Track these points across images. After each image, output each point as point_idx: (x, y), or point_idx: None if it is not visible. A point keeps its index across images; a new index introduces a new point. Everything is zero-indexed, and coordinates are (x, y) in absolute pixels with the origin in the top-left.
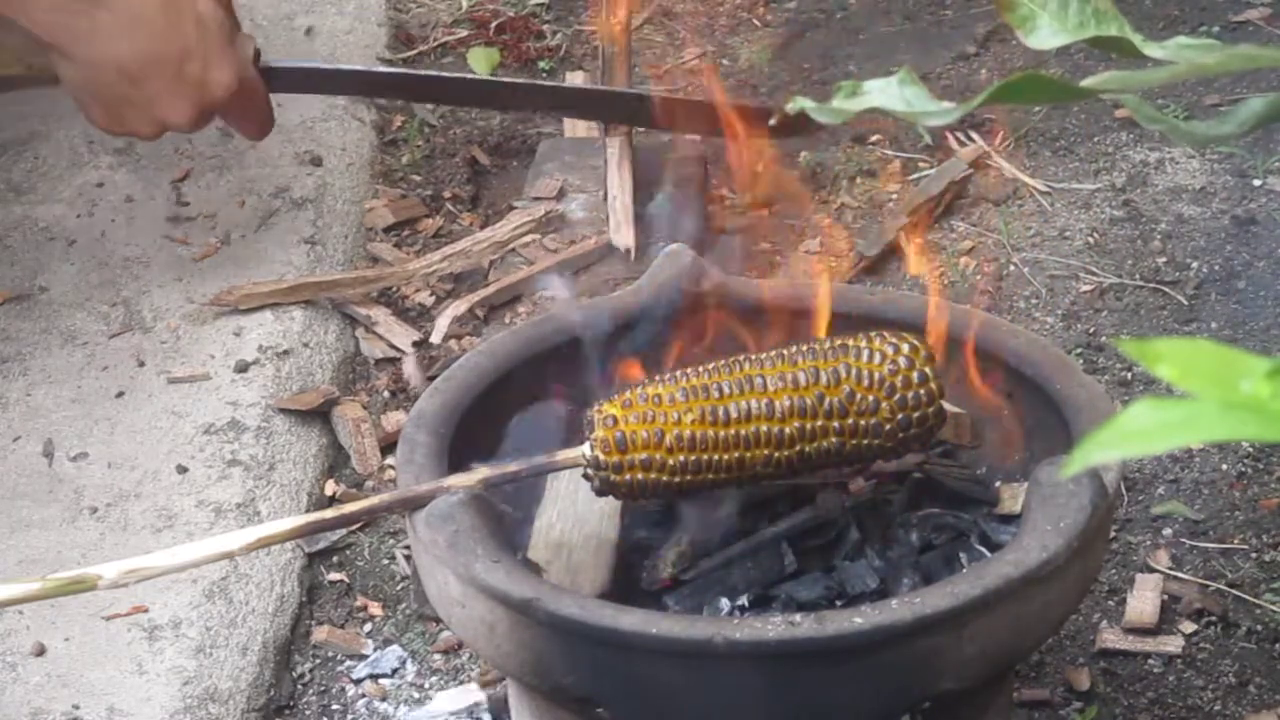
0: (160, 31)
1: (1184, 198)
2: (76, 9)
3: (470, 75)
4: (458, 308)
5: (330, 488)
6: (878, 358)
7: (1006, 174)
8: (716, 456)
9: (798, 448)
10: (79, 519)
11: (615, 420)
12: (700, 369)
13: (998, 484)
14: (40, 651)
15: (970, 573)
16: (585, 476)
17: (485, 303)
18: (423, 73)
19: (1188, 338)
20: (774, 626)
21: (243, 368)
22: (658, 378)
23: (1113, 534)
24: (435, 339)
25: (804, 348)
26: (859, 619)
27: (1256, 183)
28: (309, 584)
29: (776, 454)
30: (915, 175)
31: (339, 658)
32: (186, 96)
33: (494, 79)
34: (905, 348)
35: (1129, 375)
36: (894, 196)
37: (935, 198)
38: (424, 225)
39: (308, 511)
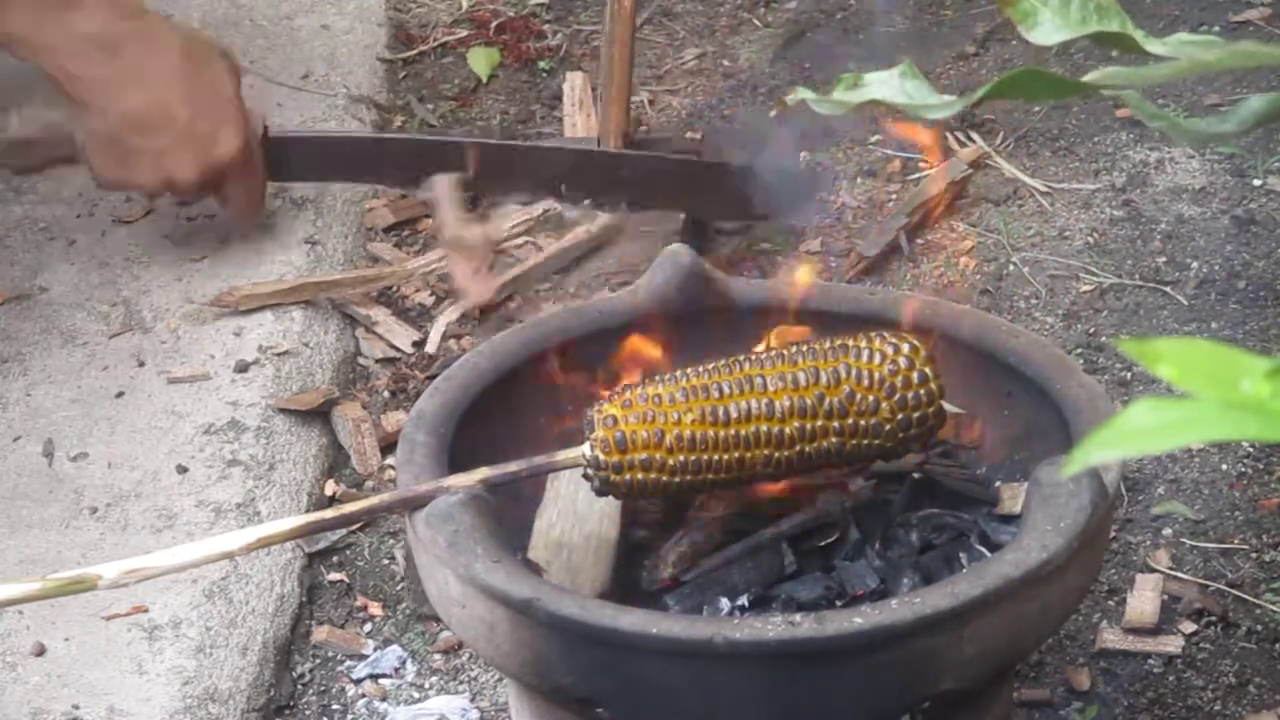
0: (176, 88)
1: (1184, 198)
2: (95, 58)
3: (491, 141)
4: (451, 315)
5: (330, 488)
6: (878, 358)
7: (1006, 174)
8: (716, 456)
9: (798, 448)
10: (79, 519)
11: (615, 420)
12: (700, 369)
13: (998, 484)
14: (40, 651)
15: (970, 573)
16: (585, 476)
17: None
18: (441, 139)
19: (1188, 338)
20: (774, 626)
21: (243, 368)
22: (658, 377)
23: (1113, 534)
24: (431, 349)
25: (804, 348)
26: (859, 619)
27: (1256, 183)
28: (309, 584)
29: (776, 454)
30: (915, 175)
31: (339, 658)
32: (194, 153)
33: (527, 145)
34: (905, 348)
35: (1129, 375)
36: (894, 196)
37: (935, 198)
38: (424, 225)
39: (308, 511)
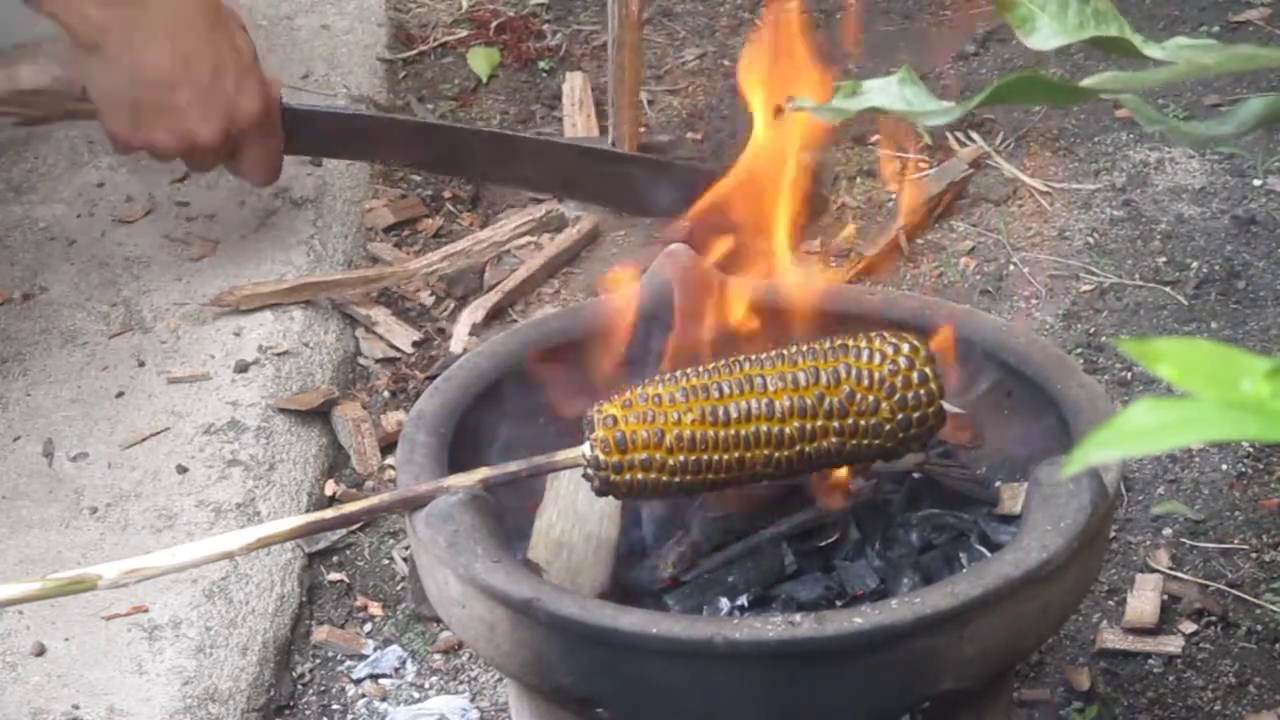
0: (200, 41)
1: (1184, 198)
2: (121, 7)
3: (496, 130)
4: (474, 313)
5: (330, 488)
6: (878, 358)
7: (1006, 174)
8: (716, 456)
9: (798, 448)
10: (79, 519)
11: (615, 420)
12: (700, 369)
13: (998, 484)
14: (40, 651)
15: (970, 573)
16: (585, 476)
17: (488, 304)
18: (458, 126)
19: (1188, 338)
20: (774, 626)
21: (243, 368)
22: (658, 378)
23: (1113, 534)
24: (457, 347)
25: (804, 348)
26: (859, 619)
27: (1256, 183)
28: (309, 584)
29: (776, 454)
30: (915, 175)
31: (339, 658)
32: (216, 111)
33: (541, 139)
34: (905, 348)
35: (1129, 375)
36: (894, 196)
37: (935, 198)
38: (424, 225)
39: (308, 511)
